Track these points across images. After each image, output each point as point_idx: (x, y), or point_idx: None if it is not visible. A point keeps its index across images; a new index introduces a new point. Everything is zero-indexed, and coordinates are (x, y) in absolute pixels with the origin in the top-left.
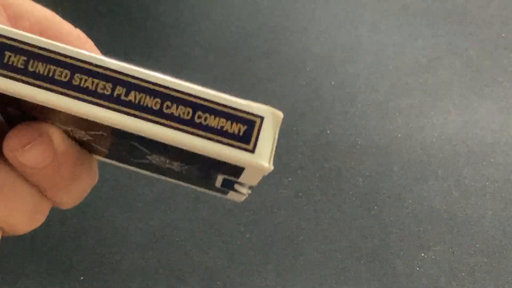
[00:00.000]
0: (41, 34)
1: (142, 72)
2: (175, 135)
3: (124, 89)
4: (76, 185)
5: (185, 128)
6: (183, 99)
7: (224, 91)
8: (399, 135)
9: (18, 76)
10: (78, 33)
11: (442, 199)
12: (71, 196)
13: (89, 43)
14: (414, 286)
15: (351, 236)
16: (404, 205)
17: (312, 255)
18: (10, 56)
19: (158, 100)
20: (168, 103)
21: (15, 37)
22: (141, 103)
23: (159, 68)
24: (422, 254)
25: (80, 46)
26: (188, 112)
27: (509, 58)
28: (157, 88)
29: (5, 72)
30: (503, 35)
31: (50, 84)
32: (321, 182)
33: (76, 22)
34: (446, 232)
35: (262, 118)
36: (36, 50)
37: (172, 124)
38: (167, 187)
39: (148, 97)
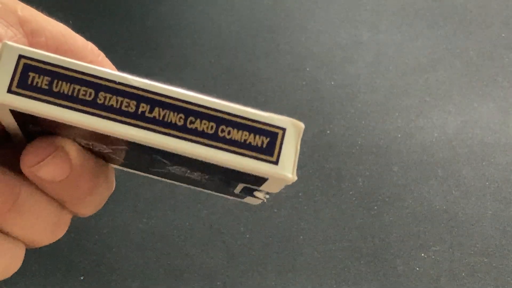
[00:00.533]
0: (57, 49)
1: (165, 89)
2: (200, 149)
3: (148, 106)
4: (94, 196)
5: (210, 142)
6: (207, 113)
7: (224, 91)
8: (399, 135)
9: (43, 97)
10: (91, 47)
11: (442, 199)
12: (90, 206)
13: (101, 55)
14: (414, 286)
15: (351, 236)
16: (404, 205)
17: (312, 255)
18: (34, 77)
19: (182, 115)
20: (192, 118)
21: (39, 58)
22: (166, 119)
23: (159, 68)
24: (422, 254)
25: (94, 59)
26: (212, 127)
27: (509, 58)
28: (180, 103)
29: (30, 93)
30: (503, 35)
31: (75, 103)
32: (321, 182)
33: (76, 22)
34: (446, 232)
35: (284, 130)
36: (60, 70)
37: (197, 139)
38: (167, 187)
39: (172, 113)
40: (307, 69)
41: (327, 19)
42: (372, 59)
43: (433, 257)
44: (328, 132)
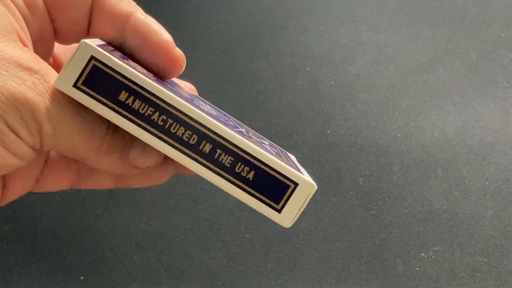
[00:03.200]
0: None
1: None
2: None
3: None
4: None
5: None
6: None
7: (224, 91)
8: (399, 135)
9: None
10: None
11: (442, 199)
12: None
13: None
14: (414, 286)
15: (351, 236)
16: (404, 205)
17: (312, 255)
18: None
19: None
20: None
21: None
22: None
23: None
24: (422, 254)
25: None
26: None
27: (509, 58)
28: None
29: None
30: (503, 35)
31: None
32: (321, 182)
33: None
34: (446, 232)
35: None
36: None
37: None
38: (167, 187)
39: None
40: (307, 69)
41: (327, 19)
42: (372, 59)
43: (433, 257)
44: (328, 132)
